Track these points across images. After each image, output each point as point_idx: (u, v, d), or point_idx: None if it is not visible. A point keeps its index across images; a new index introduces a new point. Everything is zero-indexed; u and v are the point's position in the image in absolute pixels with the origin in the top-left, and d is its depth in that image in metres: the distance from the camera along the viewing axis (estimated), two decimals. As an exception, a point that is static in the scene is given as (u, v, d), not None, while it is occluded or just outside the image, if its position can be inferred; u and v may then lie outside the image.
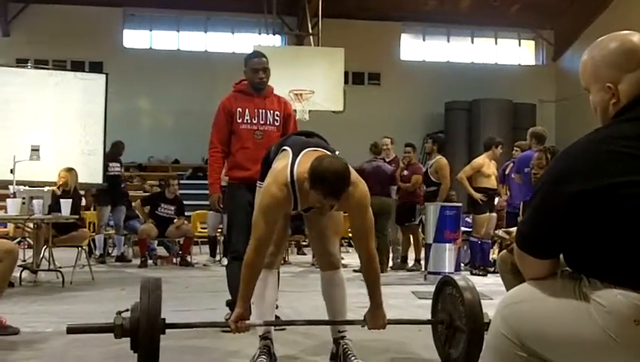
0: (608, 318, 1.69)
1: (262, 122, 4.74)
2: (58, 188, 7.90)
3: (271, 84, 4.90)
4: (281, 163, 3.34)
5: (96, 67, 16.99)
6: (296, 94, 11.09)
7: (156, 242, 10.70)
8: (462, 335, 3.35)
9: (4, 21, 18.53)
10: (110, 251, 11.18)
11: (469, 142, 18.58)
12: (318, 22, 14.05)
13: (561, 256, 1.87)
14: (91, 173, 9.48)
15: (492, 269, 8.55)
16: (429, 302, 3.76)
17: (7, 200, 7.13)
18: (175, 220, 9.93)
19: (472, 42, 21.69)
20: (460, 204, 8.76)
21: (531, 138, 7.81)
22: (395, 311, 5.13)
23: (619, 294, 1.68)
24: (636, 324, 1.66)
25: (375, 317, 3.43)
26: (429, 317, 3.75)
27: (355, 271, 8.33)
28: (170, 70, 18.70)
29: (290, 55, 12.42)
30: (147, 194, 13.35)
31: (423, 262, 8.89)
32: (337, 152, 3.47)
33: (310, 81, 11.40)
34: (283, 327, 4.43)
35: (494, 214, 9.19)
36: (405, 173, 9.50)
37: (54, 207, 7.23)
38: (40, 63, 15.52)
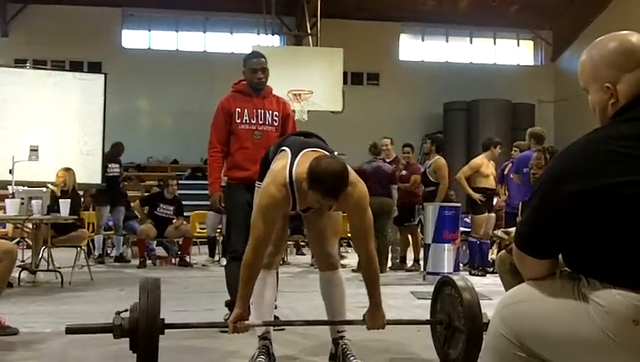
0: (607, 318, 1.69)
1: (261, 122, 4.74)
2: (57, 187, 7.90)
3: (270, 84, 4.89)
4: (280, 163, 3.34)
5: (94, 67, 17.01)
6: (295, 94, 11.08)
7: (155, 242, 10.70)
8: (461, 335, 3.35)
9: (3, 21, 18.53)
10: (109, 251, 11.18)
11: (467, 143, 18.60)
12: (317, 22, 14.06)
13: (560, 256, 1.88)
14: (90, 173, 9.47)
15: (491, 269, 8.55)
16: (428, 302, 3.76)
17: (6, 200, 7.12)
18: (174, 220, 9.93)
19: (471, 42, 21.71)
20: (458, 204, 8.77)
21: (530, 138, 7.81)
22: (394, 311, 5.13)
23: (618, 294, 1.68)
24: (635, 324, 1.66)
25: (374, 318, 3.43)
26: (428, 317, 3.75)
27: (353, 270, 8.35)
28: (169, 70, 18.70)
29: (289, 55, 12.41)
30: (147, 194, 13.35)
31: (421, 263, 8.88)
32: (336, 153, 3.47)
33: (309, 81, 11.39)
34: (282, 327, 4.43)
35: (493, 214, 9.19)
36: (404, 173, 9.51)
37: (53, 207, 7.22)
38: (38, 63, 15.53)
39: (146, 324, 3.02)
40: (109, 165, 10.26)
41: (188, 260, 9.96)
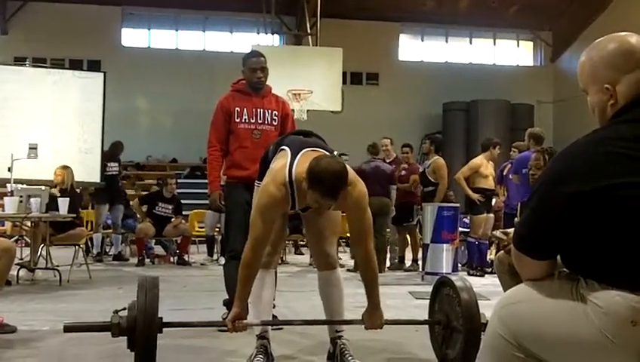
0: (605, 319, 1.69)
1: (260, 121, 4.73)
2: (54, 187, 7.89)
3: (269, 83, 4.89)
4: (280, 162, 3.34)
5: (94, 66, 17.02)
6: (295, 94, 11.08)
7: (154, 241, 10.71)
8: (459, 335, 3.35)
9: (2, 19, 18.52)
10: (107, 250, 11.19)
11: (466, 143, 18.60)
12: (317, 22, 14.05)
13: (559, 257, 1.88)
14: (89, 171, 9.47)
15: (489, 270, 8.56)
16: (427, 302, 3.76)
17: (5, 198, 7.13)
18: (173, 219, 9.93)
19: (471, 43, 21.71)
20: (457, 205, 8.77)
21: (529, 139, 7.82)
22: (392, 311, 5.14)
23: (616, 295, 1.69)
24: (633, 325, 1.67)
25: (372, 317, 3.43)
26: (426, 317, 3.75)
27: (349, 270, 8.35)
28: (169, 69, 18.69)
29: (289, 55, 12.40)
30: (145, 193, 13.34)
31: (420, 263, 8.89)
32: (336, 152, 3.47)
33: (308, 80, 11.39)
34: (280, 327, 4.43)
35: (492, 215, 9.19)
36: (403, 173, 9.51)
37: (52, 205, 7.22)
38: (38, 62, 15.51)
39: (144, 323, 3.02)
40: (108, 164, 10.27)
41: (186, 259, 9.96)
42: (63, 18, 18.14)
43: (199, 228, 11.75)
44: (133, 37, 19.86)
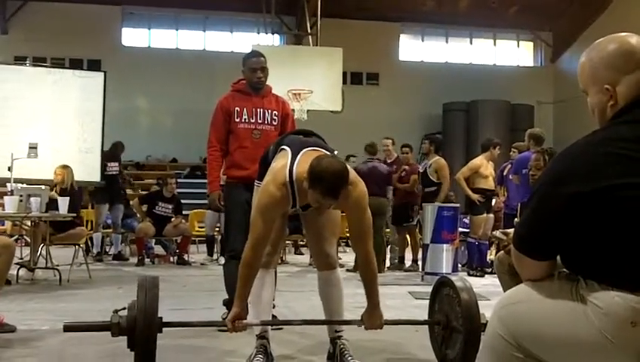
0: (605, 320, 1.69)
1: (260, 121, 4.73)
2: (54, 187, 7.89)
3: (269, 83, 4.89)
4: (280, 162, 3.34)
5: (94, 65, 17.01)
6: (295, 94, 11.09)
7: (154, 241, 10.71)
8: (458, 335, 3.35)
9: (3, 19, 18.51)
10: (107, 249, 11.19)
11: (466, 143, 18.60)
12: (317, 22, 14.05)
13: (558, 257, 1.88)
14: (89, 171, 9.46)
15: (489, 270, 8.56)
16: (426, 302, 3.76)
17: (5, 197, 7.13)
18: (173, 219, 9.93)
19: (471, 43, 21.71)
20: (457, 205, 8.78)
21: (529, 139, 7.82)
22: (392, 311, 5.14)
23: (616, 296, 1.69)
24: (633, 326, 1.67)
25: (372, 317, 3.43)
26: (426, 317, 3.75)
27: (348, 270, 8.35)
28: (169, 69, 18.69)
29: (289, 54, 12.41)
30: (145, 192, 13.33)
31: (420, 263, 8.89)
32: (336, 153, 3.47)
33: (309, 80, 11.39)
34: (280, 327, 4.43)
35: (492, 215, 9.19)
36: (403, 173, 9.51)
37: (52, 204, 7.22)
38: (38, 61, 15.50)
39: (144, 323, 3.02)
40: (109, 164, 10.27)
41: (186, 259, 9.96)
42: (63, 18, 18.14)
43: (199, 227, 11.75)
44: (133, 36, 19.86)
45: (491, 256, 9.18)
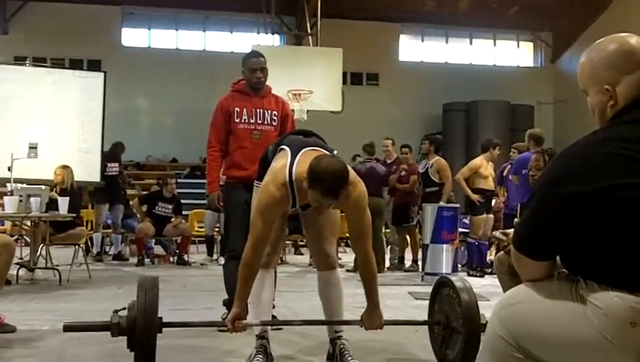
0: (605, 320, 1.69)
1: (259, 122, 4.73)
2: (55, 187, 7.89)
3: (269, 83, 4.89)
4: (280, 162, 3.34)
5: (94, 65, 17.03)
6: (295, 94, 11.08)
7: (153, 241, 10.71)
8: (458, 336, 3.35)
9: (3, 19, 18.52)
10: (107, 249, 11.19)
11: (466, 144, 18.61)
12: (317, 22, 14.05)
13: (558, 257, 1.88)
14: (89, 171, 9.46)
15: (489, 270, 8.56)
16: (426, 302, 3.76)
17: (5, 197, 7.12)
18: (172, 219, 9.93)
19: (471, 43, 21.72)
20: (457, 205, 8.77)
21: (529, 139, 7.82)
22: (392, 311, 5.14)
23: (615, 296, 1.69)
24: (632, 326, 1.67)
25: (372, 318, 3.42)
26: (425, 317, 3.74)
27: (348, 270, 8.35)
28: (169, 69, 18.70)
29: (289, 55, 12.41)
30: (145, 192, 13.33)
31: (420, 263, 8.88)
32: (336, 152, 3.47)
33: (309, 81, 11.39)
34: (280, 327, 4.43)
35: (491, 215, 9.19)
36: (403, 173, 9.50)
37: (52, 204, 7.22)
38: (38, 61, 15.50)
39: (143, 323, 3.02)
40: (109, 164, 10.28)
41: (186, 259, 9.97)
42: (63, 18, 18.15)
43: (199, 228, 11.75)
44: (133, 37, 19.87)
45: (491, 256, 9.18)
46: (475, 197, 8.82)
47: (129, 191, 12.54)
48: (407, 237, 9.77)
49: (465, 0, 19.30)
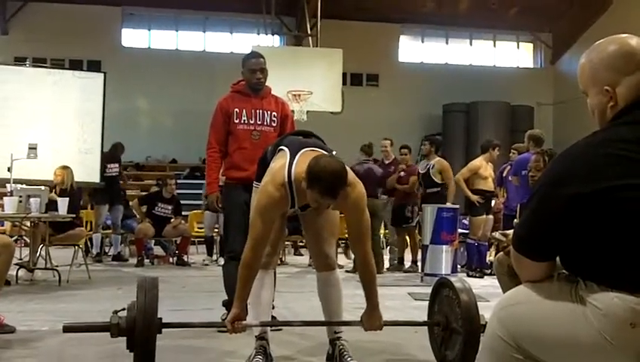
0: (604, 321, 1.69)
1: (259, 123, 4.73)
2: (54, 188, 7.89)
3: (269, 84, 4.89)
4: (279, 163, 3.34)
5: (94, 66, 17.03)
6: (295, 95, 11.08)
7: (153, 241, 10.71)
8: (458, 337, 3.35)
9: (3, 19, 18.53)
10: (107, 250, 11.19)
11: (466, 144, 18.61)
12: (317, 23, 14.05)
13: (558, 258, 1.88)
14: (88, 172, 9.47)
15: (489, 271, 8.55)
16: (426, 303, 3.76)
17: (4, 198, 7.12)
18: (172, 220, 9.93)
19: (471, 44, 21.73)
20: (457, 206, 8.76)
21: (529, 140, 7.82)
22: (391, 312, 5.14)
23: (615, 297, 1.69)
24: (632, 327, 1.67)
25: (371, 318, 3.42)
26: (425, 318, 3.74)
27: (347, 271, 8.35)
28: (169, 70, 18.70)
29: (289, 55, 12.41)
30: (144, 193, 13.33)
31: (419, 264, 8.88)
32: (335, 152, 3.47)
33: (308, 81, 11.39)
34: (279, 328, 4.43)
35: (491, 216, 9.19)
36: (402, 174, 9.50)
37: (51, 205, 7.22)
38: (38, 62, 15.52)
39: (143, 323, 3.02)
40: (109, 165, 10.28)
41: (186, 259, 9.97)
42: (63, 18, 18.15)
43: (198, 228, 11.74)
44: (133, 37, 19.87)
45: (491, 257, 9.19)
46: (474, 198, 8.82)
47: (129, 192, 12.53)
48: (407, 237, 9.76)
49: (465, 1, 19.31)
